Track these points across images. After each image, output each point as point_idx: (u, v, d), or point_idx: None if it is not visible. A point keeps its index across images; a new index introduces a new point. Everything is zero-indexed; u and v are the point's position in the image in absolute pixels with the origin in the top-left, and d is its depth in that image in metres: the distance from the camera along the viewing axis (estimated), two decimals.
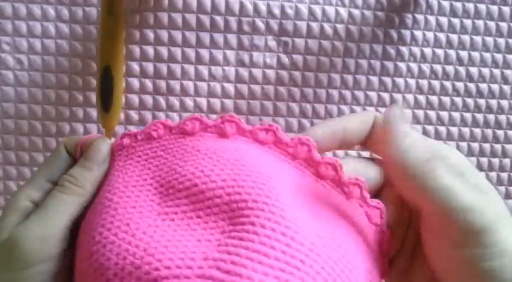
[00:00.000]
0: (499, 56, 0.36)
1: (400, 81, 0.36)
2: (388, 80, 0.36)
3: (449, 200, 0.20)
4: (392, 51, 0.35)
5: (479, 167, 0.38)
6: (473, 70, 0.36)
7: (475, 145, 0.37)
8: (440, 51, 0.36)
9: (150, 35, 0.33)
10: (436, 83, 0.36)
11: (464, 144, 0.37)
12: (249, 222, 0.19)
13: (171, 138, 0.23)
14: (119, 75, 0.27)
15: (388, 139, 0.22)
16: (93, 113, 0.34)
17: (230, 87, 0.34)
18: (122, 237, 0.20)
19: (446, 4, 0.35)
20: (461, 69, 0.36)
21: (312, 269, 0.18)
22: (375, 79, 0.35)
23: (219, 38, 0.34)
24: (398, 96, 0.36)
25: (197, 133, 0.23)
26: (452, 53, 0.36)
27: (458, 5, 0.35)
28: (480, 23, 0.36)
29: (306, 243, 0.19)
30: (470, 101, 0.37)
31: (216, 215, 0.20)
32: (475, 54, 0.36)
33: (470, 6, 0.35)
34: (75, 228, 0.22)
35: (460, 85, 0.37)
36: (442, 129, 0.37)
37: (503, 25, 0.36)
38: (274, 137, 0.23)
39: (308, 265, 0.18)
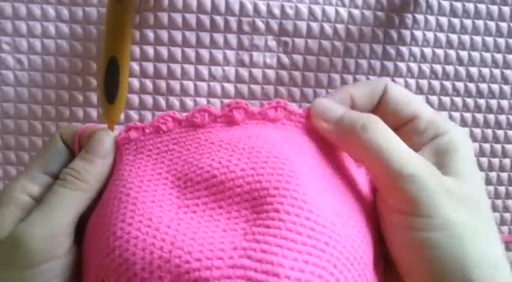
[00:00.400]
0: (499, 56, 0.36)
1: (400, 81, 0.36)
2: (388, 80, 0.36)
3: (386, 164, 0.21)
4: (392, 51, 0.35)
5: (480, 167, 0.38)
6: (473, 70, 0.36)
7: (475, 145, 0.37)
8: (440, 51, 0.36)
9: (150, 35, 0.33)
10: (436, 83, 0.36)
11: None
12: (273, 209, 0.19)
13: (181, 131, 0.23)
14: (125, 66, 0.26)
15: (321, 120, 0.23)
16: (93, 113, 0.34)
17: (230, 87, 0.34)
18: (146, 232, 0.19)
19: (446, 4, 0.35)
20: (461, 69, 0.36)
21: (335, 249, 0.19)
22: (375, 79, 0.35)
23: (219, 38, 0.34)
24: None
25: (207, 124, 0.23)
26: (452, 53, 0.36)
27: (458, 5, 0.35)
28: (480, 23, 0.36)
29: (328, 225, 0.19)
30: (470, 101, 0.37)
31: (238, 205, 0.20)
32: (475, 54, 0.36)
33: (470, 6, 0.35)
34: (79, 225, 0.22)
35: (460, 85, 0.37)
36: None
37: (503, 25, 0.36)
38: (285, 112, 0.23)
39: (332, 246, 0.19)
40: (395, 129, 0.24)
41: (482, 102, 0.37)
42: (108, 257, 0.19)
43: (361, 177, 0.24)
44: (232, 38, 0.34)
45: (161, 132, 0.23)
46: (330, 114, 0.23)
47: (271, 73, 0.34)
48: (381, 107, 0.24)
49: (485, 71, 0.37)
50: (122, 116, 0.34)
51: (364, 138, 0.21)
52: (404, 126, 0.24)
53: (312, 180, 0.21)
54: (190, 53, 0.34)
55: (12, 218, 0.21)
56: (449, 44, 0.36)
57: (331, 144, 0.24)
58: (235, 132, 0.23)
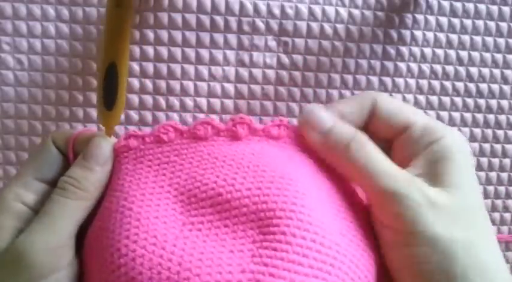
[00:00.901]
0: (499, 56, 0.36)
1: (400, 81, 0.36)
2: (388, 80, 0.36)
3: (370, 182, 0.21)
4: (392, 51, 0.35)
5: (480, 167, 0.38)
6: (473, 70, 0.36)
7: (475, 145, 0.37)
8: (440, 51, 0.36)
9: (150, 35, 0.33)
10: (436, 83, 0.36)
11: None
12: (279, 231, 0.19)
13: (183, 142, 0.23)
14: (124, 72, 0.25)
15: (309, 131, 0.23)
16: (93, 113, 0.34)
17: (230, 87, 0.34)
18: (152, 250, 0.19)
19: (446, 4, 0.35)
20: (461, 69, 0.36)
21: (340, 270, 0.19)
22: (375, 79, 0.36)
23: (219, 38, 0.34)
24: (398, 96, 0.36)
25: (210, 138, 0.23)
26: (452, 53, 0.36)
27: (458, 5, 0.35)
28: (480, 23, 0.36)
29: (333, 246, 0.19)
30: (470, 101, 0.37)
31: (244, 224, 0.20)
32: (475, 54, 0.36)
33: (470, 6, 0.35)
34: (77, 234, 0.21)
35: (460, 85, 0.37)
36: None
37: (503, 25, 0.36)
38: (287, 130, 0.23)
39: (337, 267, 0.19)
40: (390, 140, 0.24)
41: (482, 102, 0.37)
42: (113, 273, 0.19)
43: (360, 191, 0.24)
44: (232, 38, 0.34)
45: (162, 142, 0.23)
46: (318, 125, 0.23)
47: (271, 73, 0.34)
48: (372, 120, 0.24)
49: (485, 71, 0.37)
50: (122, 116, 0.34)
51: (349, 156, 0.21)
52: (399, 136, 0.23)
53: (317, 201, 0.21)
54: (190, 53, 0.34)
55: (9, 228, 0.20)
56: (449, 44, 0.36)
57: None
58: (238, 147, 0.22)
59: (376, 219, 0.22)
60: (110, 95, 0.25)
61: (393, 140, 0.23)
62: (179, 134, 0.23)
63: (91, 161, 0.22)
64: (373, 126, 0.24)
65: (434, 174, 0.21)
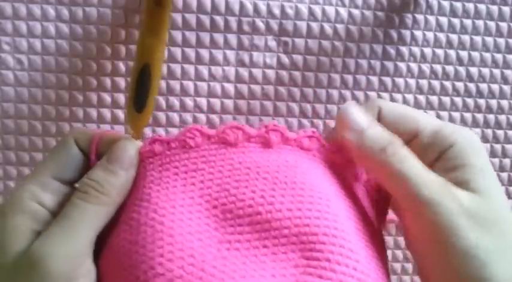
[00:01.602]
0: (499, 56, 0.36)
1: (400, 81, 0.36)
2: (388, 80, 0.36)
3: (405, 188, 0.20)
4: (392, 51, 0.35)
5: None
6: (473, 70, 0.36)
7: None
8: (440, 51, 0.36)
9: None
10: (436, 83, 0.36)
11: None
12: (324, 258, 0.19)
13: (210, 148, 0.21)
14: (158, 74, 0.24)
15: (346, 131, 0.22)
16: (93, 113, 0.34)
17: (230, 87, 0.34)
18: (190, 271, 0.18)
19: (446, 4, 0.35)
20: (461, 69, 0.36)
21: None
22: (374, 79, 0.36)
23: (219, 38, 0.34)
24: (398, 96, 0.36)
25: (239, 144, 0.22)
26: (452, 53, 0.36)
27: (458, 5, 0.35)
28: (480, 23, 0.36)
29: (371, 274, 0.19)
30: (470, 101, 0.37)
31: (285, 246, 0.19)
32: (475, 54, 0.36)
33: (470, 6, 0.35)
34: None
35: (460, 85, 0.37)
36: None
37: (503, 25, 0.36)
38: (317, 143, 0.23)
39: None
40: None
41: (482, 102, 0.37)
42: None
43: (366, 202, 0.24)
44: (232, 38, 0.34)
45: (188, 147, 0.21)
46: (355, 123, 0.22)
47: (271, 73, 0.34)
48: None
49: (485, 71, 0.37)
50: (122, 116, 0.34)
51: (384, 159, 0.20)
52: (408, 144, 0.22)
53: (350, 224, 0.21)
54: (190, 53, 0.34)
55: (25, 230, 0.19)
56: (449, 44, 0.36)
57: (345, 172, 0.23)
58: (270, 157, 0.21)
59: (407, 228, 0.21)
60: (140, 97, 0.24)
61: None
62: (206, 139, 0.22)
63: (115, 164, 0.21)
64: None
65: (457, 181, 0.20)
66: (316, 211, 0.20)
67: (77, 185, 0.22)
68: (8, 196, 0.34)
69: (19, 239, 0.19)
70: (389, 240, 0.37)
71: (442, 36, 0.36)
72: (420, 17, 0.35)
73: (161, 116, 0.34)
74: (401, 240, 0.38)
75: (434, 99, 0.36)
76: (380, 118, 0.23)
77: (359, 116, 0.22)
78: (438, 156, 0.21)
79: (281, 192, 0.20)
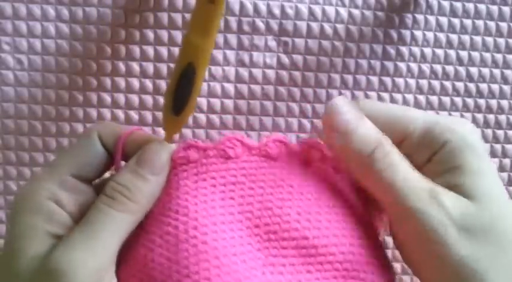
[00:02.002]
0: (499, 56, 0.36)
1: (400, 81, 0.36)
2: (388, 80, 0.36)
3: (391, 196, 0.19)
4: (392, 51, 0.35)
5: None
6: (473, 70, 0.36)
7: None
8: (440, 51, 0.36)
9: (150, 35, 0.33)
10: (436, 83, 0.36)
11: None
12: None
13: (250, 160, 0.20)
14: (201, 74, 0.22)
15: (332, 133, 0.20)
16: (93, 113, 0.34)
17: (230, 87, 0.34)
18: None
19: (446, 4, 0.35)
20: (461, 69, 0.36)
21: None
22: (374, 79, 0.36)
23: (219, 38, 0.34)
24: (398, 96, 0.36)
25: (280, 158, 0.21)
26: (452, 53, 0.36)
27: (458, 5, 0.35)
28: (480, 23, 0.36)
29: None
30: (470, 101, 0.37)
31: (329, 272, 0.19)
32: (475, 54, 0.36)
33: (470, 6, 0.35)
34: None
35: (460, 85, 0.37)
36: None
37: (503, 25, 0.36)
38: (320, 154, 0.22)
39: None
40: None
41: (482, 102, 0.37)
42: None
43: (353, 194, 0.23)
44: (232, 38, 0.34)
45: (227, 157, 0.20)
46: (340, 124, 0.19)
47: (271, 73, 0.34)
48: None
49: (485, 71, 0.37)
50: (122, 116, 0.34)
51: (371, 166, 0.19)
52: (400, 145, 0.21)
53: (371, 245, 0.21)
54: None
55: (41, 232, 0.18)
56: (449, 44, 0.36)
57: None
58: (313, 176, 0.21)
59: (395, 234, 0.20)
60: (180, 98, 0.22)
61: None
62: (247, 150, 0.21)
63: (146, 168, 0.19)
64: None
65: (450, 185, 0.19)
66: (358, 238, 0.19)
67: (95, 182, 0.21)
68: (7, 196, 0.34)
69: (35, 243, 0.17)
70: (389, 240, 0.37)
71: (442, 36, 0.36)
72: (420, 17, 0.35)
73: (161, 116, 0.34)
74: None
75: (434, 99, 0.36)
76: None
77: (346, 116, 0.20)
78: (429, 157, 0.20)
79: (327, 217, 0.20)
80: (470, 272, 0.18)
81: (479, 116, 0.37)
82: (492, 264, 0.18)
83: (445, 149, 0.19)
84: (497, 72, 0.37)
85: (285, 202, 0.19)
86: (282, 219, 0.19)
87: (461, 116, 0.37)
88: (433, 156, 0.20)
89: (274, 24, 0.34)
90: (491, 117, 0.37)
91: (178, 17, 0.33)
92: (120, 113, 0.34)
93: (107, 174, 0.22)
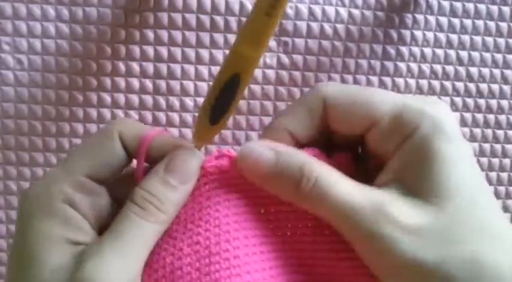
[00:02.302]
0: (499, 56, 0.36)
1: (400, 81, 0.36)
2: (388, 80, 0.36)
3: (335, 222, 0.18)
4: (392, 51, 0.35)
5: (480, 167, 0.38)
6: (473, 70, 0.36)
7: (475, 145, 0.37)
8: (440, 51, 0.36)
9: (150, 35, 0.33)
10: (436, 83, 0.36)
11: None
12: None
13: None
14: (245, 85, 0.21)
15: (251, 176, 0.19)
16: (93, 113, 0.34)
17: None
18: None
19: (446, 4, 0.35)
20: (461, 69, 0.36)
21: None
22: (375, 79, 0.36)
23: (219, 38, 0.34)
24: None
25: None
26: (452, 53, 0.36)
27: (458, 5, 0.35)
28: (480, 23, 0.36)
29: None
30: (470, 101, 0.37)
31: None
32: (475, 54, 0.36)
33: (470, 6, 0.35)
34: None
35: (460, 85, 0.37)
36: None
37: (503, 25, 0.36)
38: None
39: None
40: (361, 137, 0.20)
41: (482, 102, 0.37)
42: None
43: None
44: (232, 38, 0.34)
45: None
46: (257, 168, 0.18)
47: (271, 73, 0.34)
48: (330, 121, 0.20)
49: (485, 71, 0.37)
50: (122, 116, 0.34)
51: (302, 198, 0.18)
52: (368, 132, 0.19)
53: None
54: (191, 53, 0.34)
55: (59, 238, 0.17)
56: (449, 44, 0.36)
57: None
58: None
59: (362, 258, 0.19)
60: (219, 108, 0.21)
61: (363, 134, 0.20)
62: None
63: (176, 177, 0.18)
64: (334, 126, 0.20)
65: (413, 181, 0.18)
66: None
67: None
68: (7, 196, 0.34)
69: (55, 251, 0.16)
70: None
71: (442, 36, 0.36)
72: (420, 17, 0.35)
73: (161, 116, 0.34)
74: None
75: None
76: (328, 109, 0.19)
77: (259, 152, 0.18)
78: (399, 144, 0.18)
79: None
80: (436, 277, 0.16)
81: (479, 116, 0.37)
82: (464, 268, 0.16)
83: (416, 134, 0.18)
84: (497, 72, 0.37)
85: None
86: (312, 237, 0.19)
87: (461, 116, 0.37)
88: (403, 143, 0.18)
89: None
90: (491, 117, 0.37)
91: (178, 17, 0.33)
92: (120, 113, 0.34)
93: None
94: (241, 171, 0.19)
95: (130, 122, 0.20)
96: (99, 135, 0.19)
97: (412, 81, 0.36)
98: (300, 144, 0.20)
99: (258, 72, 0.34)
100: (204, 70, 0.34)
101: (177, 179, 0.18)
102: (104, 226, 0.18)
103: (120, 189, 0.19)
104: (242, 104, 0.35)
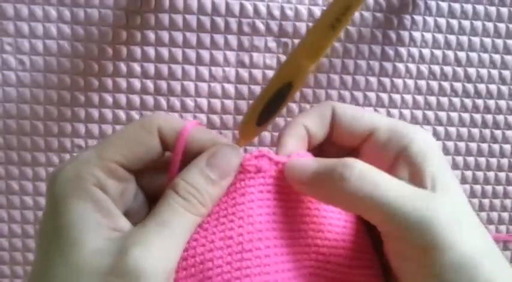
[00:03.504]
0: (497, 57, 0.37)
1: (398, 81, 0.36)
2: (386, 81, 0.36)
3: (382, 213, 0.18)
4: (391, 52, 0.36)
5: (478, 167, 0.38)
6: (472, 71, 0.37)
7: (473, 145, 0.38)
8: (438, 52, 0.36)
9: (151, 36, 0.33)
10: (434, 84, 0.37)
11: (462, 144, 0.38)
12: None
13: None
14: (295, 92, 0.22)
15: (298, 184, 0.20)
16: (95, 113, 0.34)
17: (230, 88, 0.35)
18: None
19: (444, 5, 0.35)
20: (460, 70, 0.37)
21: None
22: (373, 80, 0.36)
23: (219, 39, 0.34)
24: (396, 97, 0.36)
25: None
26: (450, 53, 0.36)
27: (457, 6, 0.36)
28: (478, 24, 0.36)
29: None
30: (468, 102, 0.37)
31: None
32: (473, 55, 0.36)
33: (469, 7, 0.36)
34: None
35: (458, 86, 0.37)
36: (441, 129, 0.37)
37: (501, 26, 0.36)
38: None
39: None
40: (356, 148, 0.22)
41: (480, 102, 0.37)
42: None
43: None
44: (233, 39, 0.34)
45: None
46: (301, 175, 0.19)
47: (271, 74, 0.35)
48: (334, 129, 0.22)
49: (483, 71, 0.37)
50: (124, 116, 0.34)
51: (345, 190, 0.18)
52: (364, 143, 0.22)
53: None
54: (191, 53, 0.34)
55: (92, 221, 0.17)
56: (448, 44, 0.36)
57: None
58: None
59: (392, 253, 0.19)
60: (268, 112, 0.22)
61: (359, 147, 0.22)
62: None
63: (217, 173, 0.19)
64: (336, 135, 0.22)
65: (416, 178, 0.19)
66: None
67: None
68: (9, 196, 0.34)
69: (91, 234, 0.17)
70: None
71: (440, 37, 0.36)
72: (419, 18, 0.35)
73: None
74: None
75: (432, 99, 0.37)
76: (335, 118, 0.22)
77: (302, 162, 0.20)
78: (395, 154, 0.20)
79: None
80: (471, 269, 0.17)
81: (477, 116, 0.37)
82: (485, 256, 0.18)
83: (413, 147, 0.20)
84: (495, 72, 0.37)
85: (332, 225, 0.20)
86: (330, 243, 0.20)
87: (460, 116, 0.37)
88: (400, 152, 0.20)
89: (274, 26, 0.34)
90: (489, 117, 0.38)
91: (179, 18, 0.33)
92: (122, 113, 0.34)
93: None
94: (288, 179, 0.20)
95: (169, 119, 0.20)
96: (139, 127, 0.19)
97: (410, 82, 0.36)
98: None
99: (258, 73, 0.35)
100: (204, 71, 0.34)
101: (217, 174, 0.19)
102: (129, 213, 0.19)
103: (148, 177, 0.20)
104: (242, 104, 0.35)
